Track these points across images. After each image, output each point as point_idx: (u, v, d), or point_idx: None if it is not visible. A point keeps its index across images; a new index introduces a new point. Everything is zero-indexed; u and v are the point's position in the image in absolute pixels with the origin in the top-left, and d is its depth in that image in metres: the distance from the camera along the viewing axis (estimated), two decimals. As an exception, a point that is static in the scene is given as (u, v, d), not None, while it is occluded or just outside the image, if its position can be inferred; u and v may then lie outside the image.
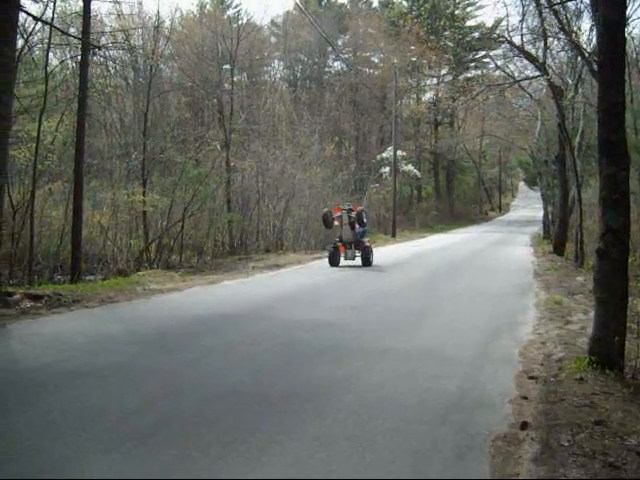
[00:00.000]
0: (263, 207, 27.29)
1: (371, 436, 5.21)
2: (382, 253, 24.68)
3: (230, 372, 7.22)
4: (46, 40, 20.78)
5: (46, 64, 19.53)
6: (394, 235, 36.87)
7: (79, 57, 20.41)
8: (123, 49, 24.93)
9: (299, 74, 54.34)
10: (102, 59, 25.17)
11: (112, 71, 29.19)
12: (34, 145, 18.15)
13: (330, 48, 49.47)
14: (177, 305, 11.99)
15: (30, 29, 19.37)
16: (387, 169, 42.26)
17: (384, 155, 43.13)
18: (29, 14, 15.52)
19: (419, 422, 5.55)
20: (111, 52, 25.45)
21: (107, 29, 27.21)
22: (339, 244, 19.10)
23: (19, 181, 19.68)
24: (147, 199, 22.33)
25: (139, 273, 16.84)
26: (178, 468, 4.56)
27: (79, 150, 17.19)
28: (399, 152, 41.21)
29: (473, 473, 4.58)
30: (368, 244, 19.81)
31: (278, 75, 53.81)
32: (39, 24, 18.67)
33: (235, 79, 34.84)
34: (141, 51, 27.88)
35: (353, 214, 19.11)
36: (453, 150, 58.54)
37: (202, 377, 6.98)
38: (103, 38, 24.31)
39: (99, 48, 19.13)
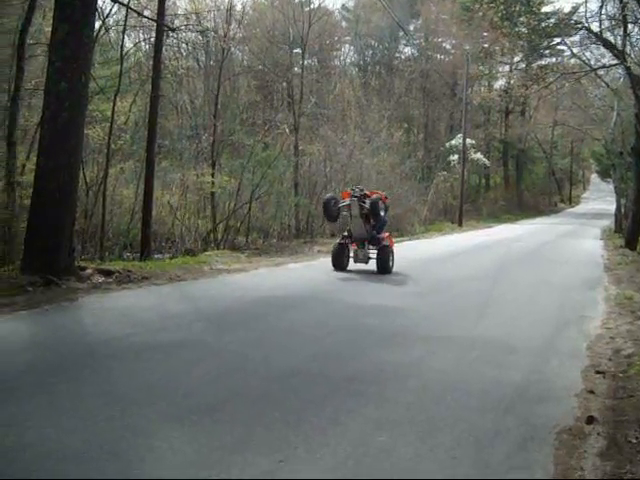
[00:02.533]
0: (330, 191, 27.27)
1: (433, 422, 5.19)
2: (449, 241, 24.50)
3: (293, 353, 7.29)
4: (121, 22, 21.18)
5: (121, 46, 19.93)
6: (460, 224, 36.47)
7: (152, 39, 20.74)
8: (196, 32, 25.18)
9: (369, 59, 53.97)
10: (175, 41, 25.51)
11: (184, 53, 29.56)
12: (108, 125, 18.57)
13: (401, 33, 48.91)
14: (242, 285, 12.12)
15: (107, 11, 19.79)
16: (455, 157, 41.72)
17: (453, 143, 42.56)
18: (108, -4, 15.84)
19: (482, 410, 5.50)
20: (183, 34, 25.80)
21: (180, 11, 27.51)
22: (348, 240, 14.56)
23: (92, 160, 20.14)
24: (216, 180, 22.58)
25: (206, 253, 17.07)
26: (242, 444, 4.62)
27: (151, 131, 17.48)
28: (468, 140, 40.61)
29: (536, 464, 4.52)
30: (387, 242, 14.56)
31: (348, 60, 53.65)
32: (115, 7, 19.07)
33: (305, 63, 34.88)
34: (213, 34, 28.09)
35: (367, 202, 13.94)
36: (523, 139, 57.49)
37: (266, 356, 7.06)
38: (176, 20, 24.60)
39: (173, 30, 19.39)
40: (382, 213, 14.15)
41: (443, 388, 6.11)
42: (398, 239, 23.49)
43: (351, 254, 14.45)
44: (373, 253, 14.28)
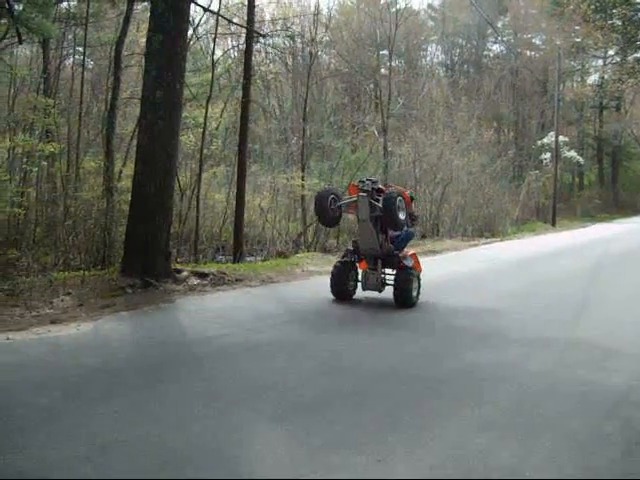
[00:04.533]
0: (420, 193, 27.07)
1: (532, 425, 5.12)
2: (542, 241, 23.97)
3: (387, 354, 7.33)
4: (211, 31, 21.67)
5: (212, 53, 20.35)
6: (554, 224, 35.53)
7: (241, 46, 21.11)
8: (284, 37, 25.47)
9: (457, 58, 53.33)
10: (263, 46, 25.89)
11: (272, 58, 29.94)
12: (200, 131, 18.99)
13: (489, 31, 48.19)
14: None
15: (197, 20, 20.28)
16: (547, 155, 40.69)
17: (545, 141, 41.52)
18: (199, 5, 16.25)
19: (583, 415, 5.39)
20: (271, 40, 26.14)
21: (267, 18, 27.91)
22: (354, 257, 10.68)
23: (185, 165, 20.63)
24: (305, 183, 22.76)
25: (297, 255, 17.23)
26: (339, 443, 4.68)
27: (242, 135, 17.79)
28: (561, 137, 39.53)
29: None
30: (411, 262, 10.43)
31: (435, 60, 53.14)
32: (205, 16, 19.52)
33: (392, 64, 34.78)
34: (301, 38, 28.35)
35: (386, 193, 10.00)
36: (619, 136, 55.51)
37: (359, 357, 7.12)
38: (264, 26, 24.95)
39: (263, 36, 19.70)
40: (402, 216, 9.78)
41: (541, 391, 6.01)
42: (489, 240, 23.17)
43: (359, 277, 10.69)
44: (391, 276, 10.55)
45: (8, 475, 4.04)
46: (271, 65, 28.70)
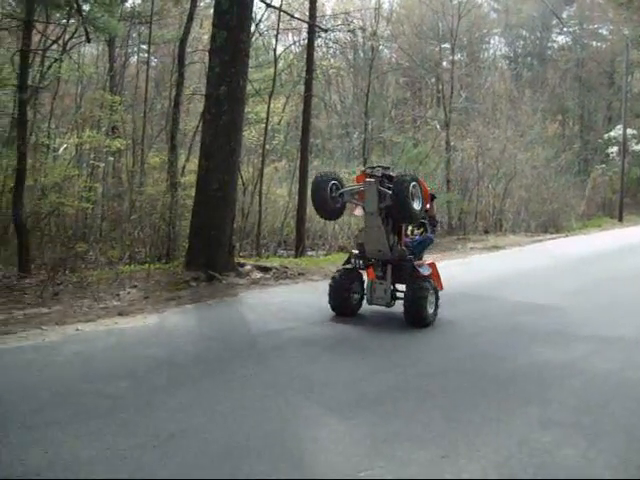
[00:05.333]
0: (482, 187, 26.74)
1: (601, 425, 5.02)
2: (609, 237, 23.41)
3: (450, 350, 7.29)
4: (272, 26, 21.77)
5: (275, 49, 20.44)
6: (621, 219, 34.63)
7: (302, 41, 21.16)
8: (346, 31, 25.38)
9: (520, 50, 52.40)
10: (324, 41, 25.88)
11: (333, 53, 29.93)
12: (261, 126, 19.12)
13: (554, 21, 47.17)
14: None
15: (259, 17, 20.36)
16: (615, 149, 39.69)
17: (612, 134, 40.51)
18: (262, 1, 16.34)
19: (655, 416, 5.24)
20: (332, 34, 26.12)
21: (328, 12, 27.92)
22: (359, 262, 8.85)
23: (247, 160, 20.79)
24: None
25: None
26: (402, 437, 4.67)
27: (305, 130, 17.83)
28: (629, 130, 38.48)
29: None
30: (427, 270, 8.62)
31: (498, 52, 52.32)
32: (267, 12, 19.59)
33: (455, 57, 34.39)
34: (362, 32, 28.27)
35: (397, 177, 8.27)
36: (691, 127, 53.88)
37: (421, 353, 7.12)
38: (324, 21, 24.94)
39: (325, 31, 19.67)
40: (416, 206, 8.02)
41: (609, 391, 5.88)
42: (554, 236, 22.74)
43: (365, 288, 8.89)
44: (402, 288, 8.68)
45: (83, 461, 4.14)
46: (332, 60, 28.67)
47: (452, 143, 27.35)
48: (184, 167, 17.75)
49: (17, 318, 8.24)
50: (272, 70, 19.77)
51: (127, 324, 8.09)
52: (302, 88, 19.17)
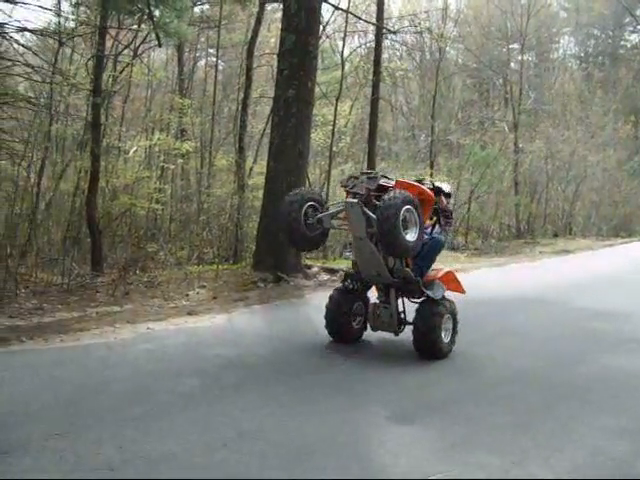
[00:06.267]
0: (552, 190, 26.28)
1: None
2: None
3: (519, 356, 7.17)
4: (339, 29, 21.81)
5: (342, 51, 20.48)
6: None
7: (368, 44, 21.11)
8: (413, 33, 25.24)
9: (591, 49, 51.24)
10: (391, 43, 25.81)
11: (400, 55, 29.80)
12: (328, 128, 19.15)
13: (627, 19, 45.97)
14: (465, 285, 11.97)
15: (326, 19, 20.42)
16: (691, 150, 38.49)
17: (687, 135, 39.32)
18: (330, 3, 16.37)
19: None
20: (399, 36, 26.00)
21: (394, 14, 27.76)
22: (356, 283, 7.46)
23: (314, 162, 20.86)
24: (434, 180, 22.50)
25: (425, 254, 17.07)
26: (471, 444, 4.62)
27: (372, 133, 17.78)
28: None
29: None
30: (439, 290, 7.13)
31: (568, 52, 51.26)
32: (334, 15, 19.61)
33: (523, 58, 33.88)
34: (429, 34, 28.09)
35: (384, 200, 6.20)
36: None
37: (490, 358, 7.01)
38: (390, 23, 24.85)
39: (394, 33, 19.56)
40: (410, 237, 6.30)
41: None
42: (626, 240, 22.16)
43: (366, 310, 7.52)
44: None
45: (155, 458, 4.21)
46: (399, 62, 28.54)
47: (520, 145, 26.95)
48: (251, 169, 17.91)
49: (90, 316, 8.46)
50: (338, 72, 19.80)
51: (196, 323, 8.21)
52: (368, 90, 19.13)
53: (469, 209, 23.04)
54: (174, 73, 22.23)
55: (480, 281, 12.56)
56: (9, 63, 14.53)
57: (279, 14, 17.40)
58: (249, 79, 16.97)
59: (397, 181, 6.77)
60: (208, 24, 21.10)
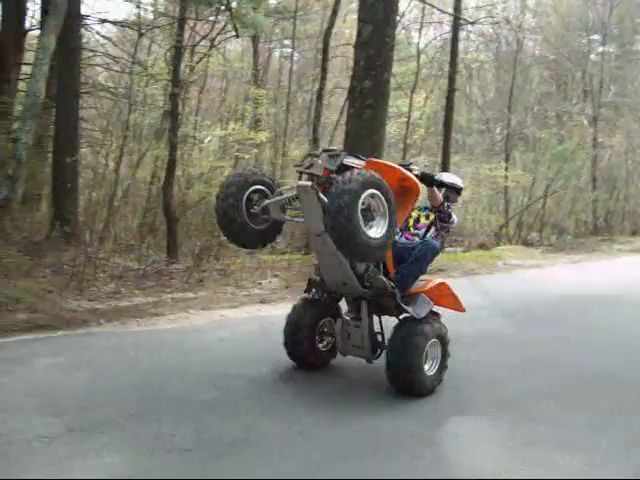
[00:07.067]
0: (631, 186, 25.53)
1: None
2: None
3: (600, 354, 6.98)
4: (415, 20, 21.66)
5: (418, 42, 20.35)
6: None
7: (444, 35, 20.87)
8: (491, 24, 24.82)
9: (676, 41, 49.52)
10: (467, 34, 25.43)
11: (476, 47, 29.34)
12: (402, 120, 19.04)
13: None
14: (540, 281, 11.79)
15: (402, 9, 20.25)
16: None
17: None
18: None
19: None
20: (476, 27, 25.62)
21: (470, 4, 27.36)
22: (323, 296, 5.88)
23: (387, 154, 20.75)
24: (509, 174, 22.18)
25: (499, 248, 16.86)
26: (547, 442, 4.50)
27: (447, 125, 17.60)
28: None
29: None
30: (424, 306, 5.37)
31: (652, 44, 49.58)
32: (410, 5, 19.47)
33: (604, 49, 32.95)
34: (506, 25, 27.57)
35: (336, 182, 4.48)
36: None
37: (569, 355, 6.86)
38: (467, 13, 24.48)
39: (472, 23, 19.28)
40: (374, 233, 4.60)
41: None
42: None
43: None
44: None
45: (228, 441, 4.25)
46: (475, 53, 28.11)
47: (600, 140, 26.24)
48: (325, 159, 17.94)
49: (166, 301, 8.62)
50: (413, 64, 19.65)
51: (269, 312, 8.28)
52: (443, 82, 18.94)
53: (544, 204, 22.58)
54: (249, 64, 22.42)
55: (555, 277, 12.33)
56: (90, 54, 14.96)
57: (354, 5, 17.35)
58: (324, 70, 16.96)
59: (369, 161, 5.13)
60: (284, 15, 21.19)
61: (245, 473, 3.84)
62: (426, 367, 5.26)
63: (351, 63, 13.10)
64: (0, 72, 11.98)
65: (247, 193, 5.16)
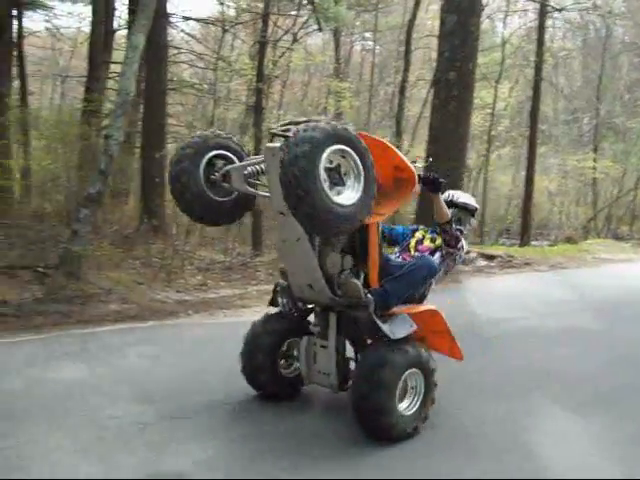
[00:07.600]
0: None
1: None
2: None
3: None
4: (499, 9, 21.30)
5: (503, 31, 20.02)
6: None
7: (529, 23, 20.43)
8: (578, 10, 24.11)
9: None
10: (553, 21, 24.80)
11: (563, 35, 28.61)
12: (486, 111, 18.74)
13: None
14: (632, 276, 11.42)
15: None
16: None
17: None
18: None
19: None
20: (562, 14, 24.96)
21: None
22: (288, 305, 4.62)
23: (471, 146, 20.49)
24: (597, 166, 21.56)
25: (587, 242, 16.42)
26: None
27: (534, 116, 17.25)
28: None
29: None
30: (405, 327, 4.15)
31: None
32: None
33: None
34: (594, 10, 26.73)
35: (296, 130, 3.52)
36: None
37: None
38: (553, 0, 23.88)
39: (559, 10, 18.80)
40: (344, 199, 3.56)
41: None
42: None
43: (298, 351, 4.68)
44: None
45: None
46: (561, 41, 27.40)
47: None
48: (407, 152, 17.83)
49: (251, 293, 8.73)
50: (497, 54, 19.30)
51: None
52: (528, 72, 18.53)
53: (635, 196, 21.85)
54: (330, 58, 22.47)
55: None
56: (175, 51, 15.28)
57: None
58: (407, 62, 16.85)
59: (361, 134, 3.86)
60: (365, 8, 21.13)
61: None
62: (403, 405, 4.16)
63: (434, 55, 12.98)
64: (90, 70, 12.38)
65: (207, 158, 4.22)
